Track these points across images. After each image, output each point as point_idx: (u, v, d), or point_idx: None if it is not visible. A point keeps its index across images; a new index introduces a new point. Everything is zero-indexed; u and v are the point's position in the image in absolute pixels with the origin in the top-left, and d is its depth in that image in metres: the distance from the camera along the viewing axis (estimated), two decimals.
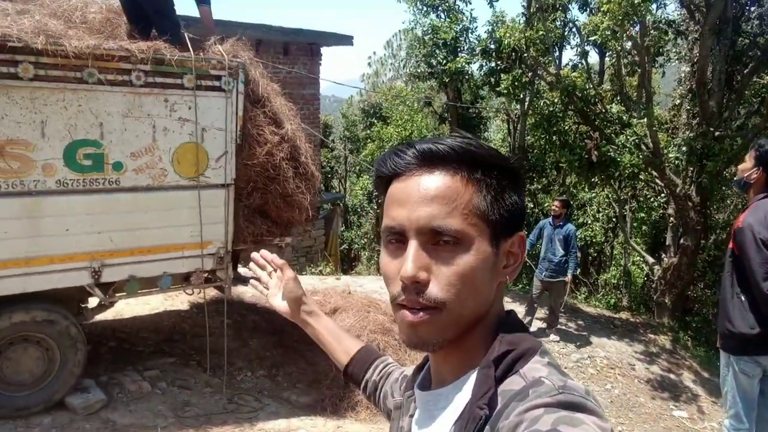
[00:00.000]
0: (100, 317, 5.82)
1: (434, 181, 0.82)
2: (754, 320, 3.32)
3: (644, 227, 14.69)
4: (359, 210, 19.38)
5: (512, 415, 0.73)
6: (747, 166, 3.45)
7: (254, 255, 1.46)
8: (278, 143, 4.71)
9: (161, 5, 4.31)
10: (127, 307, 6.54)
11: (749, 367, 3.46)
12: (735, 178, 3.74)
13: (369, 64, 34.54)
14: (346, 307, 7.01)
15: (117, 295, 4.54)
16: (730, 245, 3.47)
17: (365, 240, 18.36)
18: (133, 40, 4.17)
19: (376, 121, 18.98)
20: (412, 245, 0.82)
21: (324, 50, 11.46)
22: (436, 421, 0.87)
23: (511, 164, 0.87)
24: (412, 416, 0.96)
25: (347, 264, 16.29)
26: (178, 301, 7.01)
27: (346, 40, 11.51)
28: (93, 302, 4.92)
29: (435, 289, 0.81)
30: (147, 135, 4.17)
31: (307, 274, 10.60)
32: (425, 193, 0.82)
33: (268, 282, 1.42)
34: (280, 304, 1.38)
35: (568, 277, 7.48)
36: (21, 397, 4.20)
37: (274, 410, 5.13)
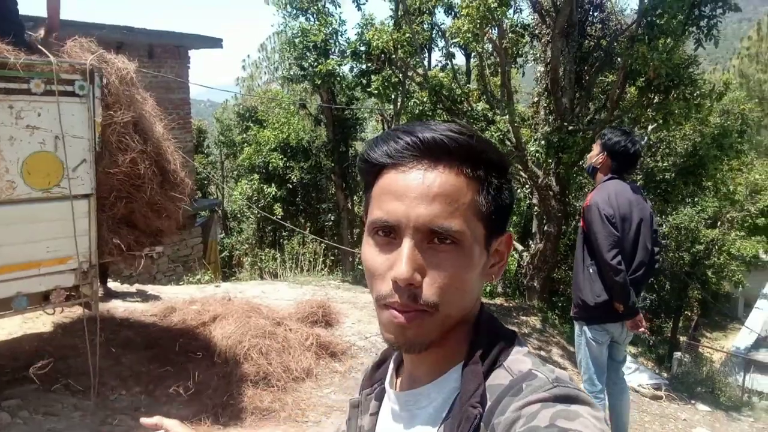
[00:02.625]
0: None
1: (438, 177, 0.77)
2: (600, 288, 3.69)
3: (514, 218, 15.68)
4: (239, 215, 18.94)
5: (508, 411, 0.72)
6: (594, 153, 3.88)
7: None
8: (142, 150, 4.51)
9: (1, 6, 3.97)
10: None
11: (599, 335, 3.84)
12: (585, 165, 4.18)
13: (243, 67, 33.78)
14: (226, 314, 6.84)
15: None
16: (581, 223, 3.86)
17: (246, 245, 17.97)
18: None
19: (252, 124, 18.64)
20: (408, 244, 0.77)
21: (195, 54, 11.11)
22: (420, 420, 0.85)
23: (507, 161, 0.85)
24: (373, 414, 0.94)
25: (229, 271, 15.88)
26: (39, 323, 6.48)
27: (214, 42, 11.21)
28: None
29: (428, 292, 0.77)
30: None
31: (184, 283, 10.22)
32: (428, 190, 0.77)
33: None
34: None
35: None
36: None
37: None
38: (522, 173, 10.46)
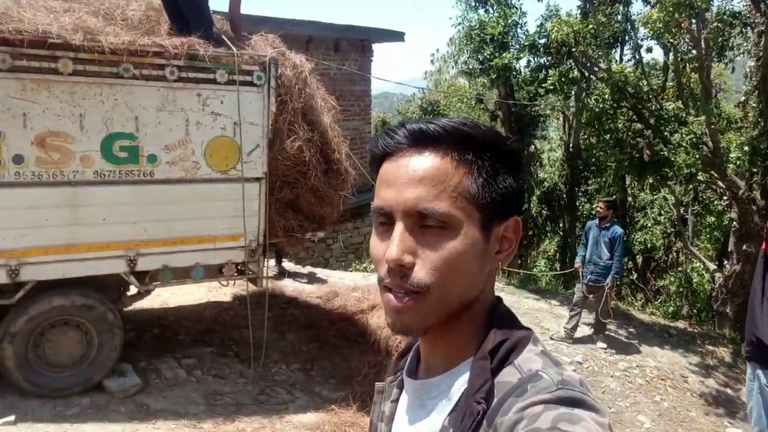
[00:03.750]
0: (146, 305, 6.05)
1: (423, 162, 0.80)
2: None
3: (716, 233, 13.93)
4: None
5: (511, 411, 0.72)
6: None
7: None
8: (309, 139, 4.74)
9: (193, 2, 4.41)
10: (172, 297, 6.77)
11: None
12: None
13: (432, 61, 34.19)
14: None
15: (153, 283, 4.68)
16: (763, 246, 3.25)
17: None
18: (170, 36, 4.30)
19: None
20: (399, 228, 0.80)
21: (381, 47, 11.49)
22: (428, 410, 0.86)
23: (507, 145, 0.85)
24: (394, 401, 0.96)
25: None
26: (221, 293, 7.19)
27: (397, 36, 11.50)
28: (133, 290, 5.12)
29: (420, 273, 0.79)
30: (180, 128, 4.29)
31: (352, 270, 10.67)
32: (413, 175, 0.80)
33: None
34: None
35: (608, 282, 7.22)
36: (61, 378, 4.40)
37: (303, 404, 5.18)
38: (719, 183, 9.25)
